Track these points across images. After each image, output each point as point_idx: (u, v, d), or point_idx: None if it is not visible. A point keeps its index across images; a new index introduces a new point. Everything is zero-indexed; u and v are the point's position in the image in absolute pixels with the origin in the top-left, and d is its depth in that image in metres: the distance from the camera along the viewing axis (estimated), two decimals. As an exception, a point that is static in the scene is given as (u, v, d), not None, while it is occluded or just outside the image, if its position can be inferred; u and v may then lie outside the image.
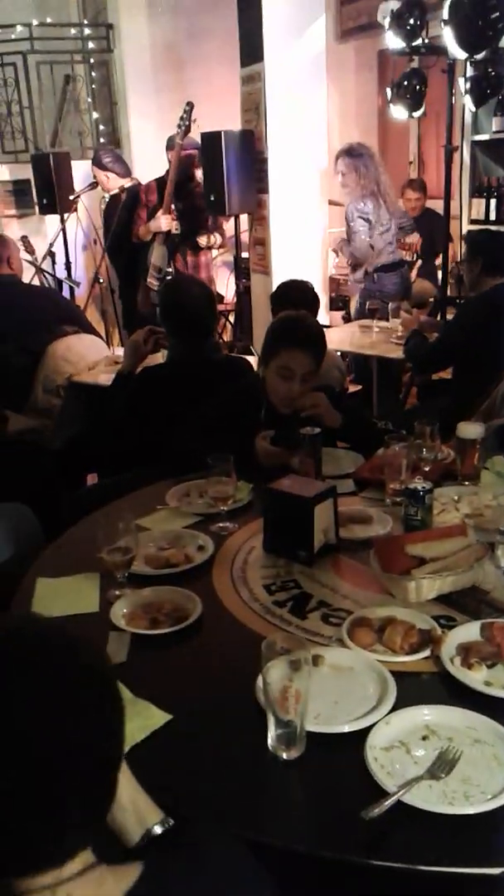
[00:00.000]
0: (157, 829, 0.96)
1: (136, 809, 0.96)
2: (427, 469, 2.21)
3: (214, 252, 5.28)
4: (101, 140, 6.69)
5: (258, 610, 1.66)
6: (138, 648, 1.53)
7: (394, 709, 1.33)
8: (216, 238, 4.98)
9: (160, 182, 4.95)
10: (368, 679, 1.43)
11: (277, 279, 5.02)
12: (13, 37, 6.38)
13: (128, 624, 1.59)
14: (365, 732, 1.27)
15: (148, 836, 0.95)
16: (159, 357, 3.22)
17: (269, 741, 1.26)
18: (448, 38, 3.89)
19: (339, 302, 6.28)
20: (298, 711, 1.24)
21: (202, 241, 4.95)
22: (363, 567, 1.81)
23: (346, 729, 1.30)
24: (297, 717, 1.24)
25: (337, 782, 1.24)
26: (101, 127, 6.75)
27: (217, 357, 3.03)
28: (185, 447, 2.37)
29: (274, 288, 3.51)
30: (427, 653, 1.48)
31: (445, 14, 3.81)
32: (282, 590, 1.74)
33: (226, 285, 6.10)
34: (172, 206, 4.87)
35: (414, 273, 5.89)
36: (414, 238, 6.01)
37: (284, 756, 1.25)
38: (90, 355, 3.76)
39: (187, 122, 4.72)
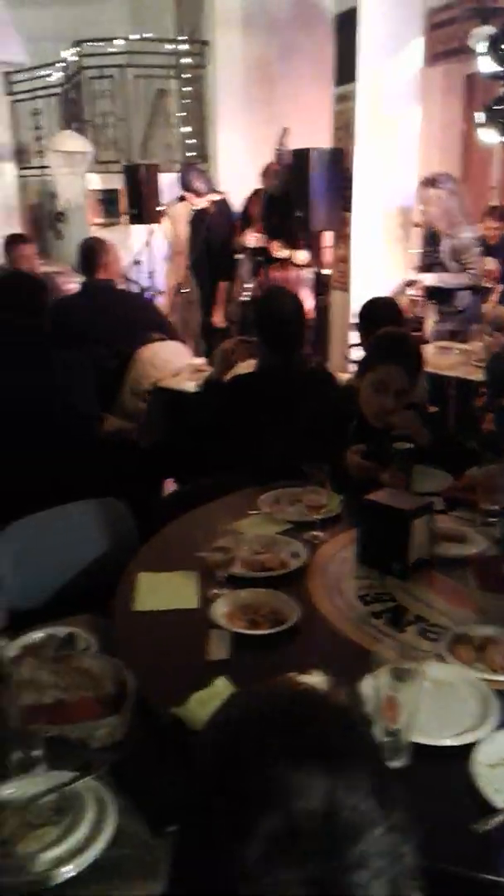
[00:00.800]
0: None
1: None
2: (521, 491, 2.19)
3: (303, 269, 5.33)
4: (191, 154, 6.82)
5: (355, 619, 1.67)
6: (238, 647, 1.55)
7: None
8: (302, 254, 5.03)
9: (255, 197, 5.05)
10: (469, 695, 1.42)
11: (356, 297, 5.05)
12: (111, 50, 6.57)
13: (227, 623, 1.61)
14: (468, 747, 1.27)
15: None
16: (242, 367, 3.26)
17: (374, 749, 1.27)
18: (551, 62, 3.87)
19: (415, 322, 6.27)
20: (404, 722, 1.25)
21: (278, 252, 5.01)
22: (458, 585, 1.81)
23: (450, 742, 1.30)
24: (403, 728, 1.25)
25: (441, 794, 1.23)
26: (191, 141, 6.89)
27: (304, 368, 3.06)
28: (275, 456, 2.40)
29: (352, 305, 3.54)
30: (529, 674, 1.47)
31: (550, 39, 3.79)
32: (377, 601, 1.75)
33: (304, 301, 6.15)
34: (261, 224, 4.96)
35: (494, 298, 5.84)
36: (492, 265, 5.96)
37: (388, 765, 1.25)
38: (175, 361, 3.82)
39: (282, 149, 4.82)
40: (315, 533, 2.06)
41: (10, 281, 2.95)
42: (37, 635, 1.54)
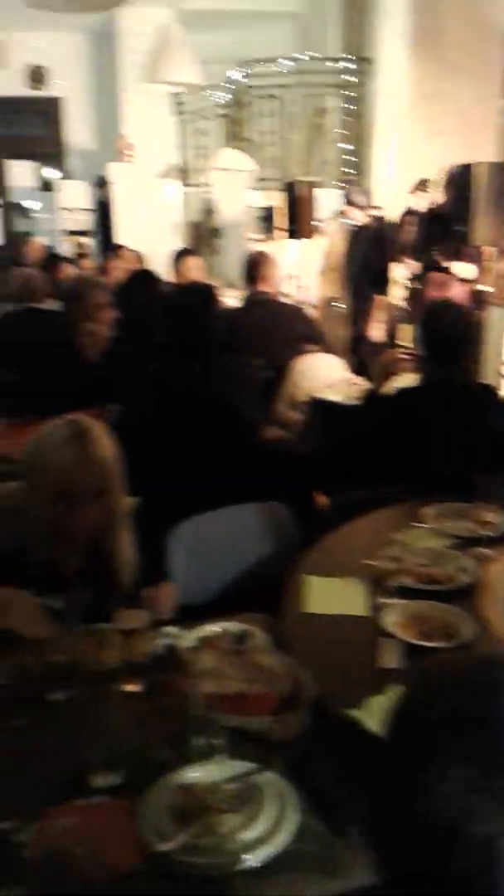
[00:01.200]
0: None
1: None
2: None
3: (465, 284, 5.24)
4: (349, 171, 6.86)
5: (531, 640, 1.61)
6: (408, 657, 1.53)
7: None
8: (467, 268, 4.94)
9: (408, 217, 5.03)
10: None
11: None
12: (275, 69, 6.73)
13: (399, 632, 1.59)
14: None
15: None
16: (398, 381, 3.23)
17: None
18: None
19: None
20: None
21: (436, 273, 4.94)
22: None
23: None
24: None
25: None
26: (349, 158, 6.92)
27: (468, 383, 3.00)
28: (438, 469, 2.36)
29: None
30: None
31: None
32: None
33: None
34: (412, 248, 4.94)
35: None
36: None
37: None
38: (329, 373, 3.83)
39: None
40: (482, 550, 2.00)
41: (184, 293, 3.06)
42: (212, 628, 1.58)
